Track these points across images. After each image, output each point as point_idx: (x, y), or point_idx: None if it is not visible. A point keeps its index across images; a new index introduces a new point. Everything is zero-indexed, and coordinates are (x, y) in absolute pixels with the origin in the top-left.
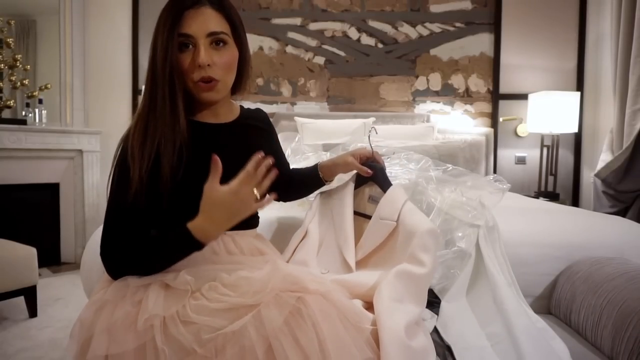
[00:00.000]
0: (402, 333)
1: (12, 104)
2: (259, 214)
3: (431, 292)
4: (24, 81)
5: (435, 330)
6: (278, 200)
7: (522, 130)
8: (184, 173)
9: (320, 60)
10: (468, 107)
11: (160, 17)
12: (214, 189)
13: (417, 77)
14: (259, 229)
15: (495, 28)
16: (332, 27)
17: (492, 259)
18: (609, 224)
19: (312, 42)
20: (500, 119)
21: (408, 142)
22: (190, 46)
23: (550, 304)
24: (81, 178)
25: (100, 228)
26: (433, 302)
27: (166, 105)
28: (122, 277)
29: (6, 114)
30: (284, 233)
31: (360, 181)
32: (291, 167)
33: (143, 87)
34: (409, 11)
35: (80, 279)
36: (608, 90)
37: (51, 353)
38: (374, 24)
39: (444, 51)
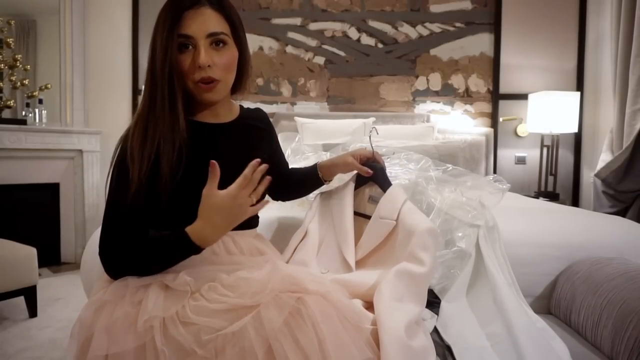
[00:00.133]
0: (402, 333)
1: (12, 104)
2: (259, 214)
3: (431, 292)
4: (24, 81)
5: (435, 330)
6: (277, 200)
7: (522, 130)
8: (183, 173)
9: (320, 60)
10: (468, 107)
11: (159, 17)
12: (212, 194)
13: (417, 77)
14: (258, 229)
15: (495, 28)
16: (332, 27)
17: (492, 259)
18: (609, 224)
19: (312, 42)
20: (500, 119)
21: (408, 142)
22: (190, 47)
23: (550, 304)
24: (81, 178)
25: (100, 228)
26: (433, 302)
27: (165, 105)
28: (121, 278)
29: (6, 114)
30: (284, 233)
31: (360, 181)
32: (291, 167)
33: (143, 87)
34: (409, 11)
35: (80, 279)
36: (608, 90)
37: (51, 353)
38: (374, 24)
39: (444, 51)
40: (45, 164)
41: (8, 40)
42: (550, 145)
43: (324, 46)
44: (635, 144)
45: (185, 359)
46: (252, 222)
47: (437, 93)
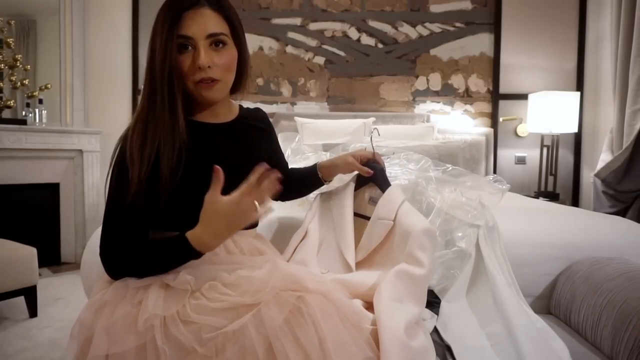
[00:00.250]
0: (402, 333)
1: (12, 104)
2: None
3: (431, 293)
4: (24, 81)
5: (435, 330)
6: (277, 200)
7: (522, 130)
8: (183, 174)
9: (320, 60)
10: (468, 107)
11: (157, 18)
12: (214, 200)
13: (417, 77)
14: (258, 229)
15: (495, 28)
16: (332, 27)
17: (492, 259)
18: (609, 224)
19: (312, 42)
20: (500, 119)
21: (408, 142)
22: (190, 47)
23: (550, 304)
24: (81, 178)
25: (101, 228)
26: (433, 302)
27: (165, 106)
28: (121, 278)
29: (6, 114)
30: (284, 233)
31: (360, 182)
32: (291, 167)
33: (142, 88)
34: (409, 11)
35: (80, 279)
36: (608, 90)
37: (51, 353)
38: (374, 24)
39: (444, 51)
40: (45, 164)
41: (8, 40)
42: (550, 145)
43: (324, 46)
44: (635, 144)
45: (186, 357)
46: (252, 222)
47: (437, 93)
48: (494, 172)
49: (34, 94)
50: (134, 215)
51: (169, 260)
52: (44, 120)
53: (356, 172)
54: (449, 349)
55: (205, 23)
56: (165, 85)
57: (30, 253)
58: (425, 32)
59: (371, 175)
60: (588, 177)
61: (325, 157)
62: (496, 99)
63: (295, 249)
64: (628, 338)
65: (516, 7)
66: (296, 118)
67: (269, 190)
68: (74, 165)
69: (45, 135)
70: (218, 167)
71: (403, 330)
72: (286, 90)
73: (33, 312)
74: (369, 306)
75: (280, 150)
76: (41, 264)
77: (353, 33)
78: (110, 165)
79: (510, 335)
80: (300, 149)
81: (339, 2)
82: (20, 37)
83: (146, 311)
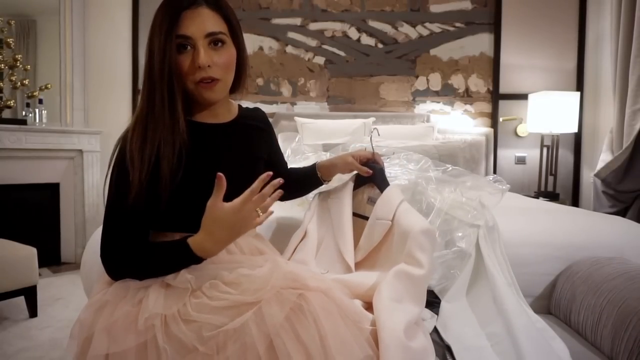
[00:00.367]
0: (401, 334)
1: (12, 104)
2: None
3: (431, 293)
4: (24, 81)
5: (435, 330)
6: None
7: (522, 130)
8: (183, 174)
9: (320, 60)
10: (468, 107)
11: (155, 18)
12: (217, 207)
13: (417, 77)
14: (258, 229)
15: (495, 28)
16: (332, 27)
17: (492, 259)
18: (609, 224)
19: (312, 42)
20: (500, 119)
21: (408, 142)
22: (189, 47)
23: (550, 304)
24: (81, 178)
25: (101, 228)
26: (433, 302)
27: (165, 107)
28: (122, 279)
29: (6, 114)
30: (284, 233)
31: (359, 182)
32: (290, 166)
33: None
34: (409, 11)
35: (80, 279)
36: (608, 90)
37: (51, 353)
38: (374, 24)
39: (444, 51)
40: (45, 164)
41: (8, 40)
42: (550, 145)
43: (324, 46)
44: (635, 144)
45: (187, 356)
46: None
47: (437, 93)
48: (494, 172)
49: (34, 94)
50: (135, 216)
51: (170, 264)
52: (44, 120)
53: (355, 172)
54: (448, 349)
55: (203, 22)
56: (164, 85)
57: (30, 253)
58: (425, 32)
59: (370, 175)
60: (588, 177)
61: (325, 157)
62: (496, 99)
63: (295, 249)
64: (628, 338)
65: (516, 7)
66: (296, 118)
67: (272, 198)
68: (74, 165)
69: (45, 135)
70: (221, 174)
71: (402, 330)
72: (286, 90)
73: (33, 312)
74: (369, 307)
75: (280, 150)
76: (41, 264)
77: (353, 33)
78: (109, 165)
79: (510, 335)
80: (300, 149)
81: (339, 2)
82: (20, 37)
83: (147, 310)
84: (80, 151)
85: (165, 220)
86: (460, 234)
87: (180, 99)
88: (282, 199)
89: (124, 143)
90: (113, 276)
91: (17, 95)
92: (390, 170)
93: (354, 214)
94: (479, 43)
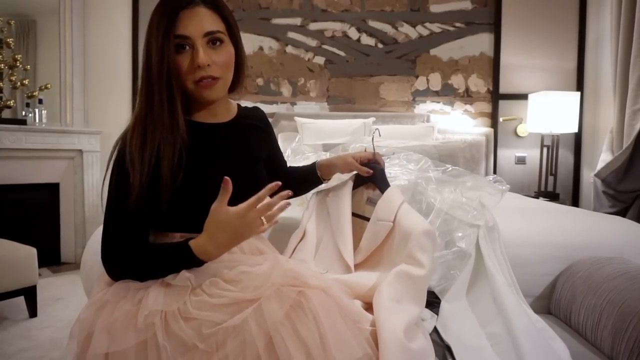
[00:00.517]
0: (401, 334)
1: (12, 104)
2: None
3: (431, 293)
4: (24, 81)
5: (435, 330)
6: None
7: (522, 130)
8: (183, 174)
9: (320, 60)
10: (468, 107)
11: (151, 19)
12: (221, 211)
13: (417, 77)
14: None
15: (495, 28)
16: (332, 27)
17: (492, 259)
18: (609, 224)
19: (312, 42)
20: (500, 119)
21: (408, 142)
22: (187, 47)
23: (550, 304)
24: (81, 178)
25: (101, 228)
26: (433, 302)
27: (164, 108)
28: (122, 280)
29: (6, 114)
30: (283, 233)
31: (357, 182)
32: (290, 165)
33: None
34: (409, 11)
35: (80, 279)
36: (608, 90)
37: (51, 353)
38: (374, 24)
39: (444, 51)
40: (45, 164)
41: (8, 40)
42: (550, 145)
43: (324, 46)
44: (635, 144)
45: (187, 353)
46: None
47: (437, 93)
48: (494, 172)
49: (34, 94)
50: (135, 218)
51: (171, 266)
52: (44, 120)
53: (355, 172)
54: (448, 349)
55: (201, 22)
56: (163, 86)
57: (30, 253)
58: (425, 32)
59: (370, 175)
60: (588, 177)
61: (325, 157)
62: (496, 99)
63: (294, 249)
64: (628, 338)
65: (516, 7)
66: (296, 118)
67: (279, 208)
68: (74, 165)
69: (45, 135)
70: (227, 178)
71: (402, 331)
72: (286, 90)
73: (33, 312)
74: (368, 307)
75: (279, 149)
76: (41, 264)
77: (353, 33)
78: (108, 165)
79: (510, 335)
80: (300, 149)
81: (339, 2)
82: (20, 37)
83: (146, 308)
84: (80, 151)
85: (165, 220)
86: (460, 234)
87: (179, 99)
88: None
89: (123, 144)
90: (114, 277)
91: (17, 95)
92: (390, 171)
93: (353, 214)
94: (479, 43)
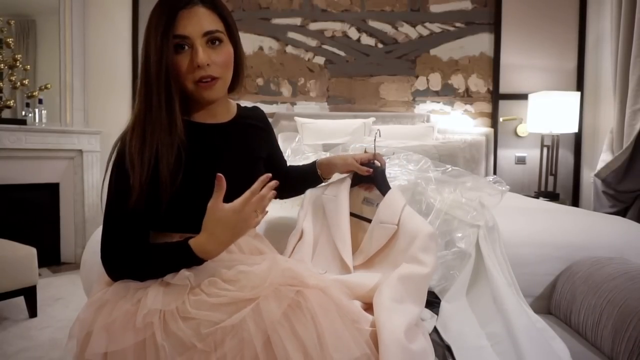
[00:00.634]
0: (402, 335)
1: (12, 104)
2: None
3: (431, 293)
4: (24, 81)
5: (435, 330)
6: (276, 197)
7: (522, 130)
8: (183, 175)
9: (320, 60)
10: (468, 107)
11: (150, 19)
12: (217, 208)
13: (417, 77)
14: (258, 229)
15: (495, 28)
16: (332, 27)
17: (492, 259)
18: (609, 224)
19: (312, 42)
20: (500, 119)
21: (408, 142)
22: (186, 47)
23: (550, 304)
24: (81, 178)
25: (100, 228)
26: (433, 302)
27: (162, 109)
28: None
29: (6, 114)
30: (283, 233)
31: (353, 182)
32: (290, 165)
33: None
34: (409, 11)
35: (80, 278)
36: (608, 90)
37: (51, 353)
38: (374, 24)
39: (444, 51)
40: (45, 164)
41: (8, 40)
42: (550, 145)
43: (324, 46)
44: (635, 144)
45: (185, 353)
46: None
47: (437, 93)
48: (494, 172)
49: (34, 94)
50: (135, 218)
51: (171, 266)
52: (44, 120)
53: (352, 172)
54: (448, 349)
55: (200, 21)
56: (162, 86)
57: (30, 253)
58: (425, 32)
59: (370, 175)
60: (588, 177)
61: (325, 157)
62: (496, 99)
63: (293, 249)
64: (628, 338)
65: (516, 7)
66: (296, 118)
67: (268, 198)
68: (73, 165)
69: (45, 135)
70: (220, 175)
71: (403, 332)
72: (286, 90)
73: (33, 312)
74: (368, 307)
75: (279, 148)
76: (41, 264)
77: (353, 33)
78: (108, 166)
79: (510, 335)
80: (300, 149)
81: (339, 2)
82: (20, 37)
83: (145, 307)
84: (80, 151)
85: (165, 220)
86: (460, 235)
87: (177, 100)
88: (282, 197)
89: (122, 145)
90: (113, 277)
91: (16, 95)
92: (390, 171)
93: (350, 214)
94: (479, 43)
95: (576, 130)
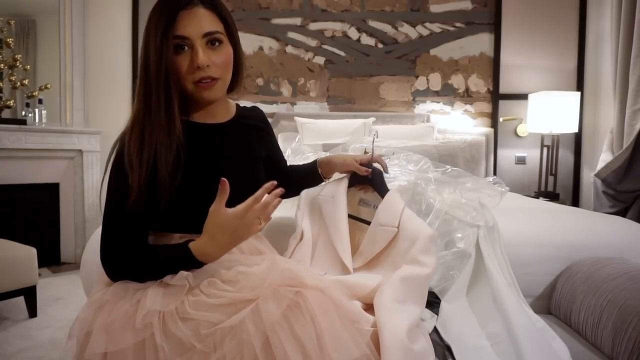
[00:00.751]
0: (404, 336)
1: (12, 104)
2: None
3: (431, 293)
4: (24, 81)
5: (435, 330)
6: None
7: (522, 130)
8: (182, 175)
9: (320, 60)
10: (468, 107)
11: (149, 20)
12: (219, 213)
13: (417, 77)
14: None
15: (495, 28)
16: (332, 27)
17: (492, 259)
18: (609, 224)
19: (312, 42)
20: (500, 119)
21: (408, 142)
22: (186, 48)
23: (550, 304)
24: (81, 178)
25: (100, 228)
26: (433, 302)
27: (161, 109)
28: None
29: (6, 114)
30: (283, 234)
31: (351, 182)
32: (290, 164)
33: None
34: (409, 11)
35: (80, 279)
36: (608, 90)
37: (51, 353)
38: (374, 24)
39: (444, 51)
40: (45, 164)
41: (8, 40)
42: (550, 145)
43: (324, 46)
44: (635, 144)
45: (185, 353)
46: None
47: (437, 93)
48: (494, 172)
49: (34, 94)
50: (134, 219)
51: (171, 268)
52: (44, 120)
53: (350, 172)
54: (448, 349)
55: (200, 22)
56: (161, 87)
57: (30, 253)
58: (425, 32)
59: (369, 176)
60: (588, 177)
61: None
62: (496, 99)
63: (293, 251)
64: (628, 338)
65: (516, 7)
66: (296, 118)
67: (273, 206)
68: (73, 165)
69: (45, 135)
70: (225, 179)
71: (405, 333)
72: (286, 90)
73: (33, 312)
74: (368, 308)
75: (279, 148)
76: (41, 264)
77: (353, 33)
78: (107, 166)
79: (510, 335)
80: (300, 149)
81: (339, 2)
82: (20, 37)
83: (144, 308)
84: (80, 151)
85: (165, 220)
86: (459, 235)
87: (176, 100)
88: (283, 196)
89: (121, 145)
90: (113, 278)
91: (16, 95)
92: (390, 171)
93: (348, 216)
94: (479, 43)
95: (576, 130)
